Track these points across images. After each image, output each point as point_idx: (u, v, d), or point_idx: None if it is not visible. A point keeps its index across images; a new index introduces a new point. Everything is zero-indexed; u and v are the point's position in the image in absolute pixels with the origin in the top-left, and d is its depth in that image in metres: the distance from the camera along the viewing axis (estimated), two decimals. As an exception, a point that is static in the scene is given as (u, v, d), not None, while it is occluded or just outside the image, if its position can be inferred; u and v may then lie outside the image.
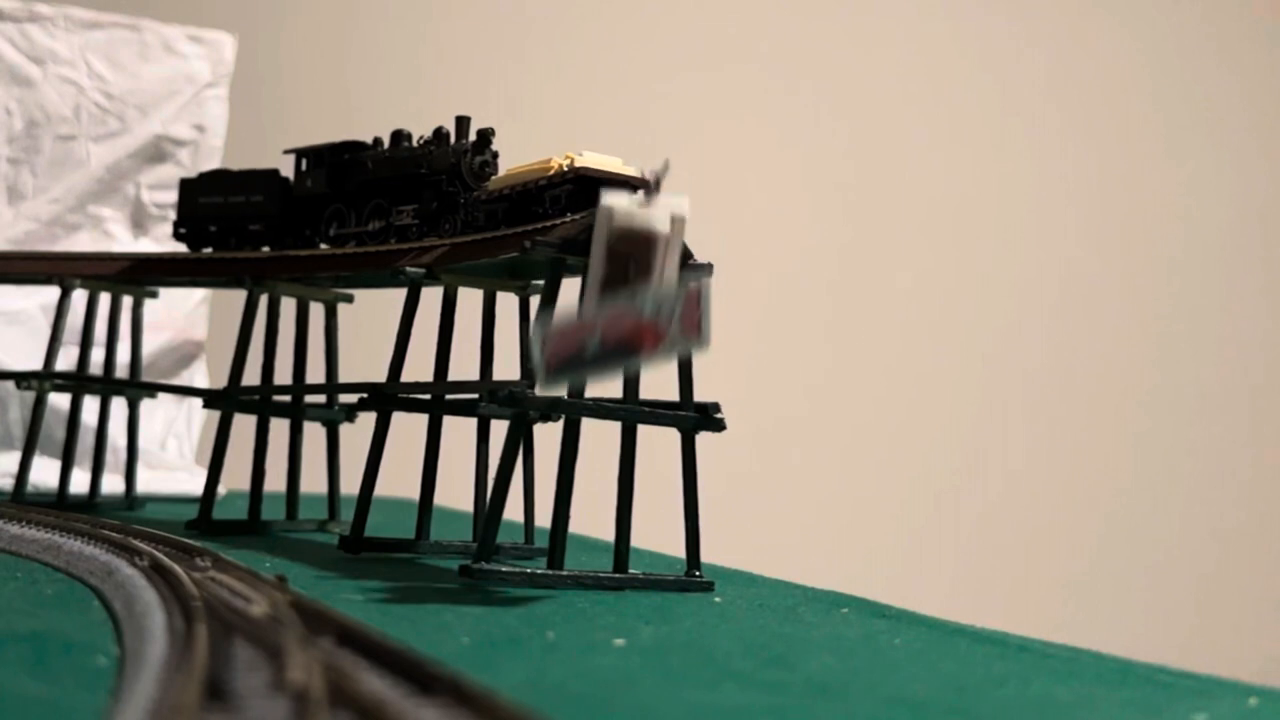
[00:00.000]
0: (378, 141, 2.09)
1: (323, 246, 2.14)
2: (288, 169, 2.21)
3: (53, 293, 2.36)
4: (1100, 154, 4.29)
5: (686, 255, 1.76)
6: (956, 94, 4.15)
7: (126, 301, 2.40)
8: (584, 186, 1.76)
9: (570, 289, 1.73)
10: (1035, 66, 4.25)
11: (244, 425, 2.17)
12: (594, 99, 3.65)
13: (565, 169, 1.77)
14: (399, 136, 2.07)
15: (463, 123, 1.99)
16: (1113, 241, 4.30)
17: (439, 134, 2.00)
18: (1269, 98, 4.47)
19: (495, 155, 1.96)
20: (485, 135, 1.96)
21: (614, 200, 1.51)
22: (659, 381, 1.81)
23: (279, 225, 2.19)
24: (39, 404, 2.32)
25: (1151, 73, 4.36)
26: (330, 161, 2.13)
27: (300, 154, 2.18)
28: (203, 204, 2.29)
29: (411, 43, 3.68)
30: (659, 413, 1.76)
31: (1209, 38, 4.42)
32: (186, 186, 2.33)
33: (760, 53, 3.97)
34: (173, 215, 2.95)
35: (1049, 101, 4.25)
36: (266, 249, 2.20)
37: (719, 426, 1.77)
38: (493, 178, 1.91)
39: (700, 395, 1.77)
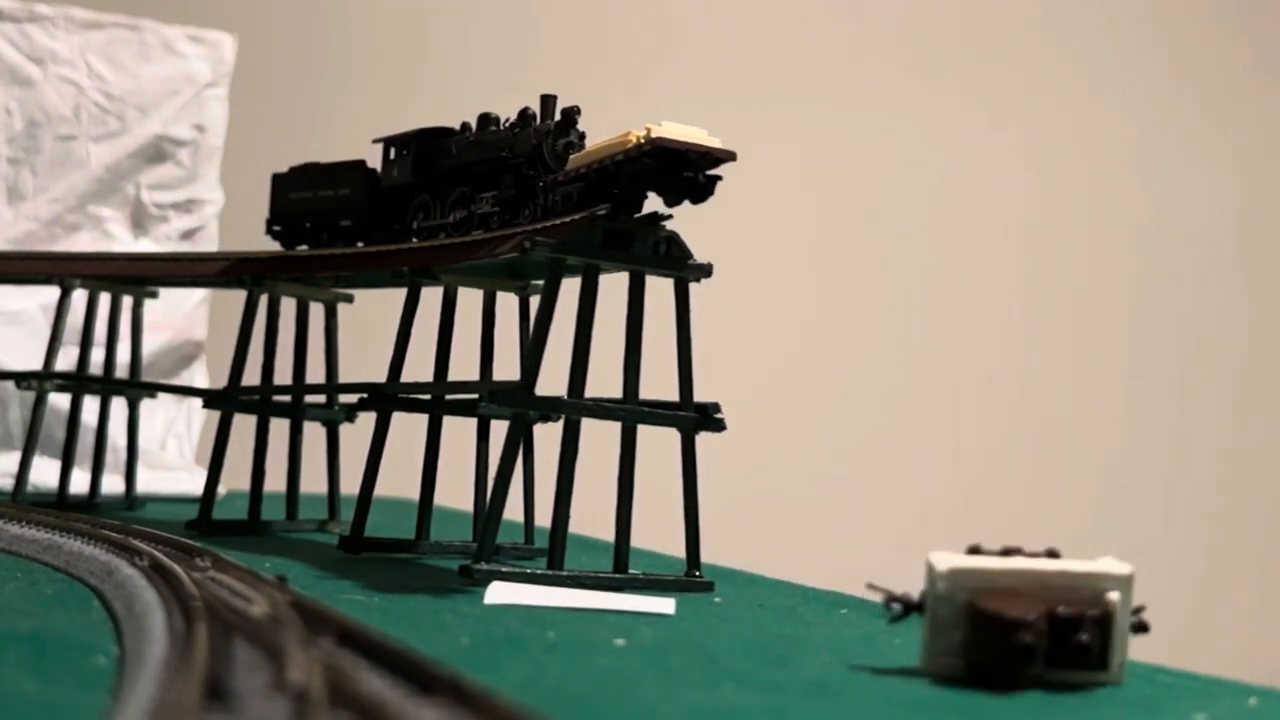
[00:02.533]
0: (465, 126, 1.97)
1: (413, 240, 2.02)
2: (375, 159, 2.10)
3: (53, 293, 2.35)
4: (1090, 151, 4.29)
5: (685, 255, 1.76)
6: (955, 94, 4.15)
7: (126, 301, 2.40)
8: (666, 161, 1.62)
9: (570, 289, 1.73)
10: (1031, 70, 4.25)
11: (244, 425, 2.17)
12: (598, 98, 3.65)
13: (642, 141, 1.61)
14: (486, 120, 1.94)
15: (548, 102, 1.85)
16: (1115, 242, 4.30)
17: (524, 115, 1.86)
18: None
19: (582, 136, 1.81)
20: (570, 115, 1.81)
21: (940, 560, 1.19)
22: (659, 382, 1.81)
23: (367, 219, 2.08)
24: (39, 404, 2.32)
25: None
26: (416, 149, 2.00)
27: (388, 142, 2.06)
28: (294, 200, 2.19)
29: (412, 41, 3.67)
30: (659, 413, 1.76)
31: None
32: (278, 182, 2.23)
33: (763, 51, 3.97)
34: (172, 216, 2.95)
35: (1045, 106, 4.26)
36: (361, 245, 2.09)
37: (719, 426, 1.77)
38: (571, 156, 1.77)
39: (700, 395, 1.77)
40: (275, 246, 2.24)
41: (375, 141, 2.09)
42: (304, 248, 2.18)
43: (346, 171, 2.12)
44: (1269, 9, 4.51)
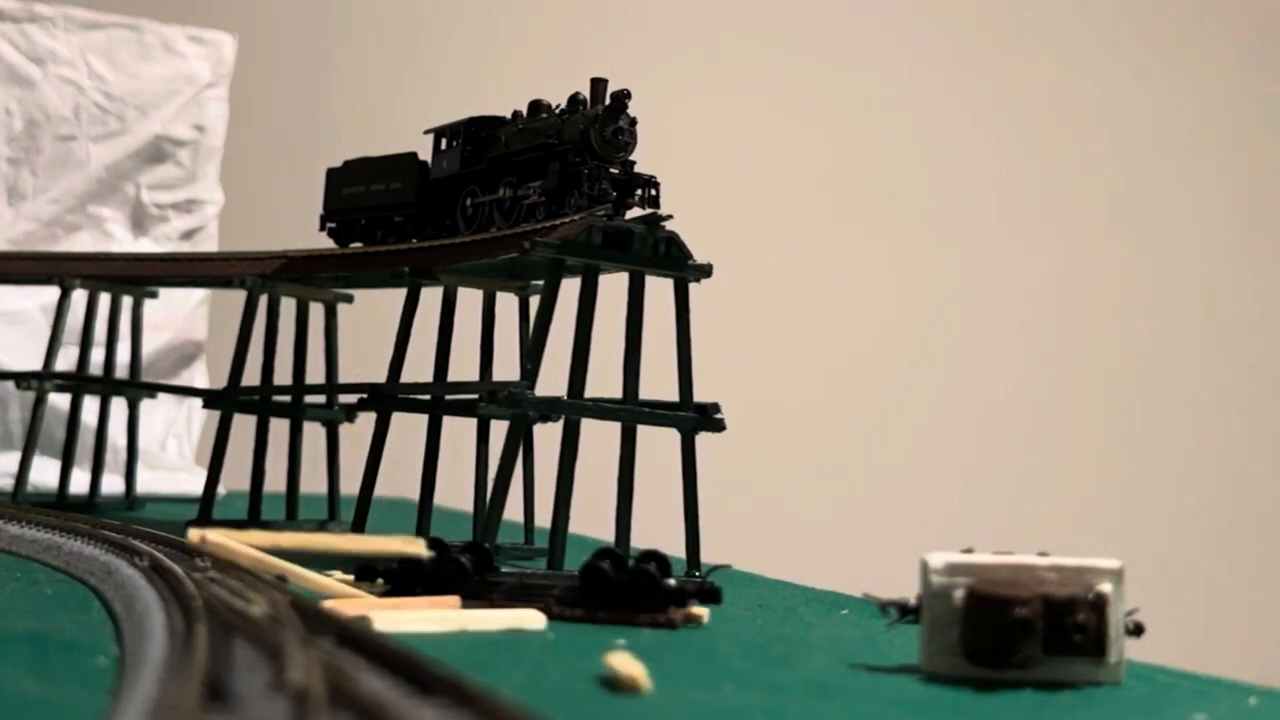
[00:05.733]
0: (516, 115, 1.93)
1: (464, 233, 1.97)
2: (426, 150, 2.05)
3: (53, 293, 2.36)
4: (1104, 152, 4.29)
5: (685, 255, 1.76)
6: (953, 91, 4.15)
7: (126, 301, 2.40)
8: None
9: (570, 289, 1.73)
10: (1033, 65, 4.25)
11: (244, 425, 2.17)
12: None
13: None
14: (537, 107, 1.89)
15: (598, 86, 1.79)
16: (1115, 242, 4.30)
17: (574, 100, 1.81)
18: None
19: (633, 122, 1.76)
20: (619, 100, 1.74)
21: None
22: (659, 382, 1.81)
23: (418, 213, 2.03)
24: (39, 404, 2.32)
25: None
26: (465, 139, 1.96)
27: (438, 133, 2.02)
28: (347, 195, 2.14)
29: (412, 40, 3.67)
30: (659, 413, 1.76)
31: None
32: (332, 177, 2.19)
33: (762, 49, 3.97)
34: (172, 216, 2.95)
35: (1046, 97, 4.26)
36: (415, 240, 2.03)
37: (718, 427, 1.77)
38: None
39: (700, 395, 1.77)
40: (275, 246, 2.23)
41: (426, 132, 2.05)
42: (357, 245, 2.14)
43: (398, 164, 2.07)
44: None
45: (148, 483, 2.60)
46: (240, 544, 1.31)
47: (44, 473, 2.46)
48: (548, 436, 1.85)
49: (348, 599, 1.35)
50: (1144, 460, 4.28)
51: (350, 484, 2.04)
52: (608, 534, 1.79)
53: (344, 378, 2.26)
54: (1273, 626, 4.31)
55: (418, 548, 1.36)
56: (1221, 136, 4.42)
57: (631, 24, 3.86)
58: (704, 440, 1.77)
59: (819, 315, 4.00)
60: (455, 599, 1.39)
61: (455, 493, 2.14)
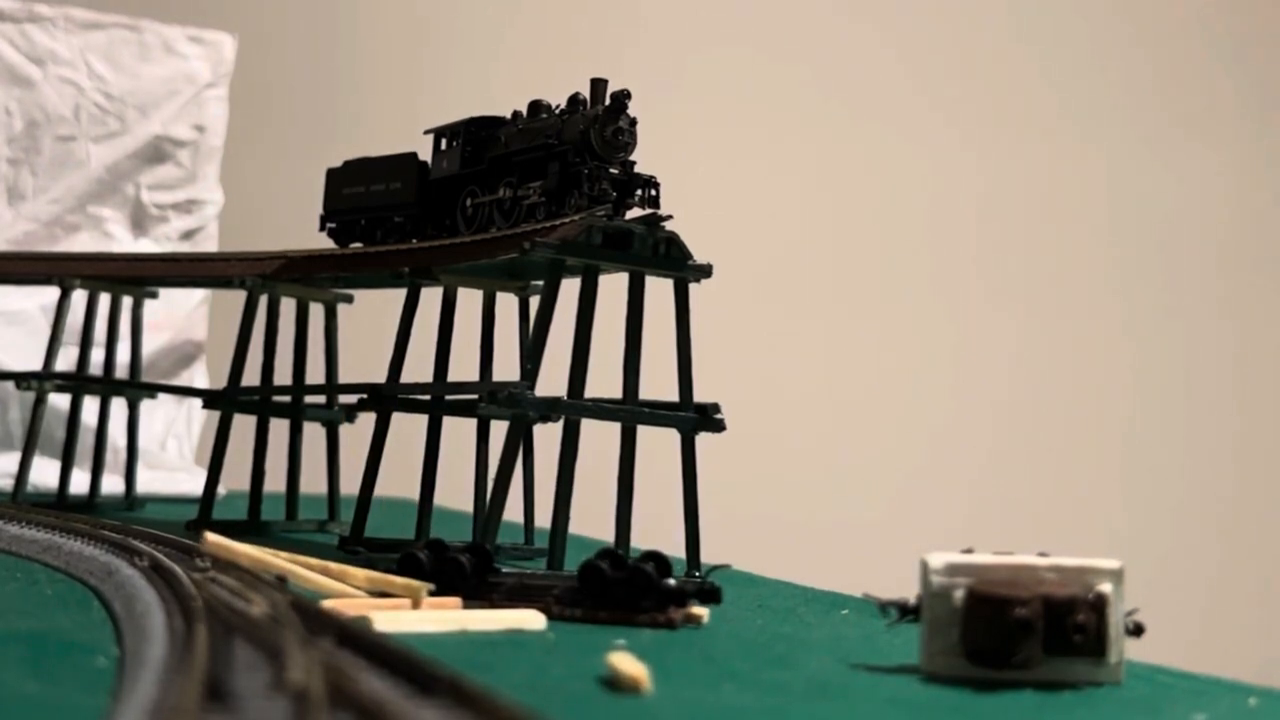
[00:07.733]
0: (516, 115, 1.93)
1: (464, 233, 1.97)
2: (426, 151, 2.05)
3: (53, 293, 2.36)
4: (1099, 152, 4.29)
5: (685, 255, 1.76)
6: (951, 90, 4.15)
7: (126, 301, 2.40)
8: None
9: (570, 289, 1.73)
10: (1031, 57, 4.26)
11: (244, 425, 2.17)
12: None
13: None
14: (537, 107, 1.89)
15: (598, 86, 1.79)
16: (1123, 238, 4.30)
17: (574, 101, 1.82)
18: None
19: (633, 122, 1.76)
20: (619, 100, 1.75)
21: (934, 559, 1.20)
22: (659, 382, 1.81)
23: (418, 214, 2.02)
24: (39, 404, 2.32)
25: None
26: (465, 139, 1.96)
27: (438, 134, 2.02)
28: (347, 195, 2.14)
29: (412, 39, 3.67)
30: (659, 413, 1.76)
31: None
32: (331, 177, 2.18)
33: (761, 50, 3.97)
34: (172, 216, 2.95)
35: (1042, 91, 4.26)
36: (415, 240, 2.03)
37: (719, 427, 1.77)
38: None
39: (700, 396, 1.77)
40: (275, 246, 2.23)
41: (426, 133, 2.05)
42: (357, 245, 2.13)
43: (397, 164, 2.07)
44: None
45: (148, 483, 2.60)
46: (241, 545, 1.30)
47: (44, 473, 2.46)
48: (548, 436, 1.85)
49: (348, 599, 1.35)
50: (1144, 460, 4.28)
51: (350, 484, 2.04)
52: (608, 534, 1.79)
53: (344, 378, 2.26)
54: (1273, 626, 4.31)
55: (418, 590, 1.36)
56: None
57: (632, 24, 3.86)
58: (704, 440, 1.77)
59: (819, 315, 4.00)
60: (455, 599, 1.39)
61: (455, 493, 2.14)
